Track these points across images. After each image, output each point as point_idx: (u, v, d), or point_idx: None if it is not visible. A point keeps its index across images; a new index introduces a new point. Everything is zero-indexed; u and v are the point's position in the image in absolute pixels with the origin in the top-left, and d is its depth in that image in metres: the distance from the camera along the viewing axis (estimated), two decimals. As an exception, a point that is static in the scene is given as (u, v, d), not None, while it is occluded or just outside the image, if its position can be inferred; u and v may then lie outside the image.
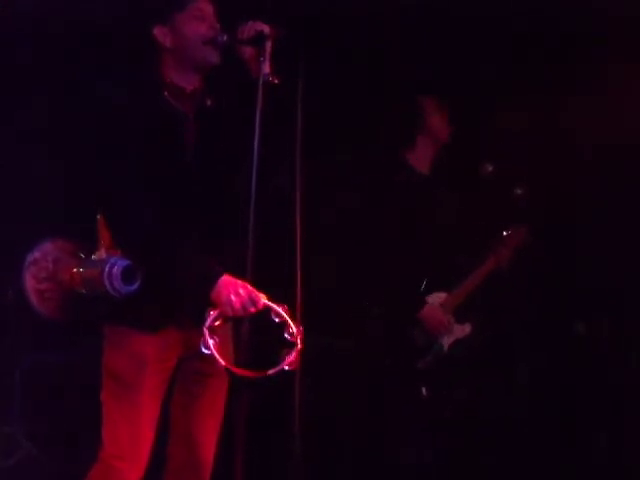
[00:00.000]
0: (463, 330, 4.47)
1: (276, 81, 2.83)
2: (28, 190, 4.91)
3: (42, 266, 3.11)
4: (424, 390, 4.34)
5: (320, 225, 4.50)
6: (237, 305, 2.80)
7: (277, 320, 2.81)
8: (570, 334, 5.01)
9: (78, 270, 3.02)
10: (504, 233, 4.57)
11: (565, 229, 4.96)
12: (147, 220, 2.93)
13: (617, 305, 4.89)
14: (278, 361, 2.78)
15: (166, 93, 3.04)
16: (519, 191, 4.48)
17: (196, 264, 2.91)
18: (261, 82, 2.78)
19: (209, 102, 3.12)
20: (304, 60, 2.76)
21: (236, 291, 2.81)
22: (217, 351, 2.78)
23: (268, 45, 2.84)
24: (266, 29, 2.85)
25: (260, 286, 2.84)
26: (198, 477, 3.16)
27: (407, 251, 4.36)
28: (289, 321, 2.79)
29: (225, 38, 2.94)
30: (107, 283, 2.86)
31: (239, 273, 2.84)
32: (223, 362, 2.78)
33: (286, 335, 2.78)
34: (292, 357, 2.76)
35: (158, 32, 3.02)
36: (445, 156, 4.63)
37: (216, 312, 2.82)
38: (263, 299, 2.82)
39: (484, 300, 4.59)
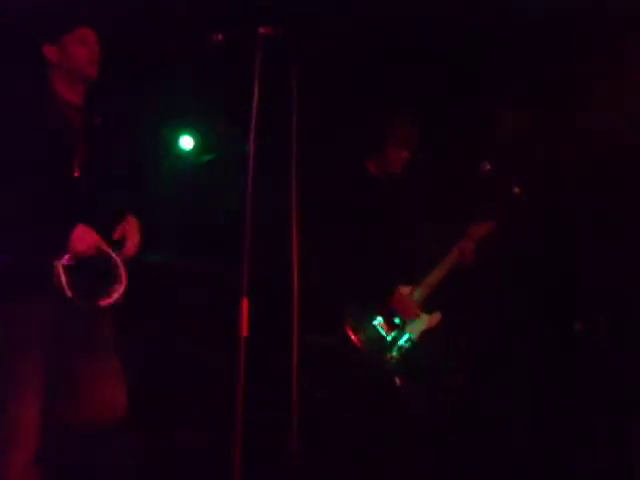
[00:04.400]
0: (431, 321, 4.52)
1: None
2: None
3: None
4: (397, 380, 4.39)
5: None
6: (83, 248, 3.23)
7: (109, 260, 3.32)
8: (568, 333, 5.01)
9: None
10: (469, 226, 4.62)
11: (564, 228, 4.96)
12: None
13: (616, 304, 4.88)
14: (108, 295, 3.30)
15: (58, 106, 3.41)
16: (517, 190, 4.48)
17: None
18: (257, 82, 2.80)
19: (97, 120, 3.49)
20: (298, 60, 2.77)
21: (78, 237, 3.23)
22: (67, 284, 3.22)
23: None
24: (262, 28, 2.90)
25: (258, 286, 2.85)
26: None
27: (367, 249, 4.43)
28: (122, 270, 3.30)
29: (220, 37, 2.98)
30: None
31: None
32: (70, 294, 3.21)
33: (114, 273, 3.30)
34: (119, 293, 3.29)
35: (48, 50, 3.44)
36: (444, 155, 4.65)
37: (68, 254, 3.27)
38: (99, 244, 3.28)
39: (451, 292, 4.65)
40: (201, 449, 4.70)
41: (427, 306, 4.54)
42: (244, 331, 2.76)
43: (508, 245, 4.79)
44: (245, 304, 2.76)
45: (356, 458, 4.32)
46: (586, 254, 4.91)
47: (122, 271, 3.35)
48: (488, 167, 4.52)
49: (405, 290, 4.52)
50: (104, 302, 3.30)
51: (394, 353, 4.40)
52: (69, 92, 3.46)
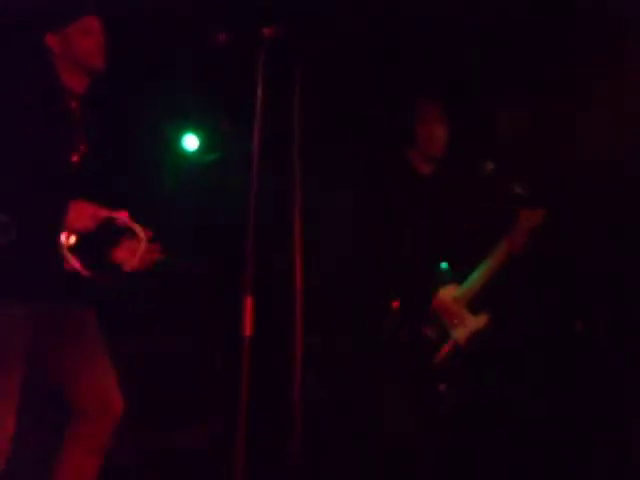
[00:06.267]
0: (478, 322, 4.32)
1: None
2: None
3: None
4: (442, 386, 4.24)
5: (320, 223, 4.52)
6: (83, 223, 3.11)
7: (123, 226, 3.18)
8: (569, 332, 5.01)
9: None
10: (519, 217, 4.39)
11: (565, 228, 4.95)
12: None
13: (616, 304, 4.88)
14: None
15: (62, 91, 3.33)
16: (518, 189, 4.42)
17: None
18: (260, 85, 2.78)
19: (98, 111, 3.43)
20: (302, 60, 2.77)
21: (79, 210, 3.11)
22: (77, 263, 3.10)
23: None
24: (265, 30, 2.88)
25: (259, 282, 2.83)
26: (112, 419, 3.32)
27: (407, 250, 4.26)
28: (133, 225, 3.15)
29: (223, 37, 2.96)
30: None
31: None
32: (87, 273, 3.11)
33: (135, 238, 3.17)
34: (136, 261, 3.16)
35: (50, 40, 3.34)
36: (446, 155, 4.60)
37: (68, 233, 3.11)
38: (104, 212, 3.14)
39: (499, 291, 4.45)
40: (202, 449, 4.69)
41: (474, 306, 4.34)
42: (248, 330, 2.74)
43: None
44: (249, 303, 2.75)
45: (358, 458, 4.30)
46: (586, 254, 4.91)
47: (137, 228, 3.19)
48: (491, 167, 4.44)
49: (447, 292, 4.33)
50: (130, 267, 3.21)
51: (438, 357, 4.22)
52: (73, 81, 3.36)
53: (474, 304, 4.35)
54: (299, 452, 2.80)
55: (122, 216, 3.18)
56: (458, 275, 4.40)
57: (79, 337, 3.36)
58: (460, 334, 4.28)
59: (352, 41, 4.87)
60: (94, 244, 3.18)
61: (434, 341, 4.25)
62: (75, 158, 3.29)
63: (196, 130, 5.53)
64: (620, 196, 4.83)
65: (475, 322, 4.32)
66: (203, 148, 5.58)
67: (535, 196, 4.41)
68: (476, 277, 4.37)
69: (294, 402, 2.77)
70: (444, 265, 4.44)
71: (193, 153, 5.59)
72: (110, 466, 3.46)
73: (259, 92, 2.76)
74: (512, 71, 5.01)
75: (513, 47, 4.94)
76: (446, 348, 4.24)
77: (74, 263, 3.10)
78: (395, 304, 4.23)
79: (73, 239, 3.12)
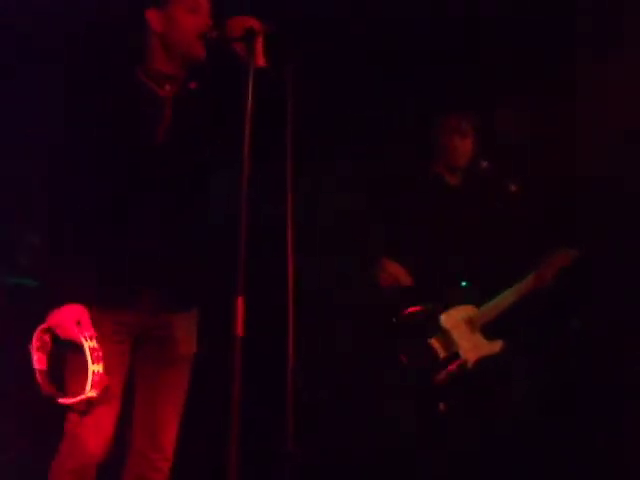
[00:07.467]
0: (491, 347, 4.33)
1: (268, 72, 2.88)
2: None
3: None
4: (441, 405, 4.21)
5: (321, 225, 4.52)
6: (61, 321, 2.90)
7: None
8: (567, 331, 4.99)
9: None
10: (550, 254, 4.45)
11: (562, 225, 4.93)
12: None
13: (615, 303, 4.86)
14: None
15: (141, 74, 3.07)
16: (513, 187, 4.41)
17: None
18: (251, 78, 2.76)
19: (192, 86, 3.15)
20: (293, 57, 2.76)
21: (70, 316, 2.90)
22: (44, 370, 2.94)
23: (259, 41, 2.86)
24: (256, 25, 2.85)
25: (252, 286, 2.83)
26: (159, 459, 3.21)
27: (427, 262, 4.30)
28: (88, 356, 2.87)
29: (215, 34, 2.94)
30: None
31: (185, 260, 3.12)
32: (40, 380, 2.93)
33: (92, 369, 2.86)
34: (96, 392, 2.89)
35: (151, 15, 3.00)
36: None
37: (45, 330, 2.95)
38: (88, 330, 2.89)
39: (518, 319, 4.47)
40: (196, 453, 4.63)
41: (489, 330, 4.35)
42: (240, 331, 2.73)
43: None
44: (241, 303, 2.74)
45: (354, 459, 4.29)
46: (586, 254, 4.89)
47: (91, 376, 2.87)
48: (485, 164, 4.44)
49: (460, 311, 4.34)
50: (68, 401, 2.94)
51: (441, 376, 4.19)
52: (166, 64, 3.04)
53: (490, 329, 4.36)
54: (294, 452, 2.79)
55: (95, 347, 2.91)
56: (479, 296, 4.41)
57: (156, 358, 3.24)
58: (470, 356, 4.25)
59: (351, 43, 4.87)
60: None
61: (440, 356, 4.24)
62: (156, 154, 3.03)
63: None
64: (620, 195, 4.82)
65: (488, 347, 4.32)
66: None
67: (530, 195, 4.42)
68: (496, 303, 4.39)
69: (287, 404, 2.76)
70: (466, 284, 4.44)
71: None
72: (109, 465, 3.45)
73: (249, 89, 2.74)
74: (512, 71, 4.99)
75: (513, 47, 4.93)
76: (452, 366, 4.21)
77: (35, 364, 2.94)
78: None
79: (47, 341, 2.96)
